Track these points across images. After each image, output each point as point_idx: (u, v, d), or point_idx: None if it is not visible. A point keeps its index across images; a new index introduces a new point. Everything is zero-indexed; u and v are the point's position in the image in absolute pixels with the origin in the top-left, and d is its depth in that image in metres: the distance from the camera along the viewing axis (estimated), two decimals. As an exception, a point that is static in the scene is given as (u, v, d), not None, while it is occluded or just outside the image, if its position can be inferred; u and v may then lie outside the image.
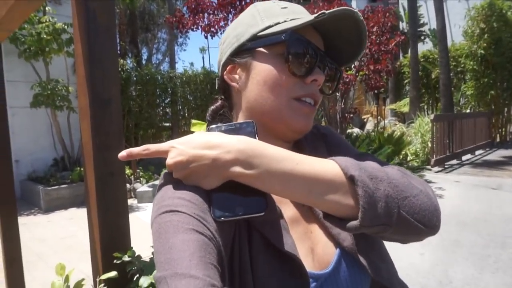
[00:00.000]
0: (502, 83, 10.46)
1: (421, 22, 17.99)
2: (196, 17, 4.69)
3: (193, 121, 2.12)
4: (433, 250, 3.52)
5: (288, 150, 0.62)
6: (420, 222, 0.51)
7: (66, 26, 6.50)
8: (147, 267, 1.35)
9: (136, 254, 1.46)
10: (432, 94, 13.49)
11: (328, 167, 0.51)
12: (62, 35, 6.52)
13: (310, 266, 0.56)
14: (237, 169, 0.49)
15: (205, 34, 4.79)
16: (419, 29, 15.94)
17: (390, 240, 0.55)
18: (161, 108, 11.46)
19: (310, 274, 0.54)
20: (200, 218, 0.49)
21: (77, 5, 1.39)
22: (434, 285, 2.86)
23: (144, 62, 17.43)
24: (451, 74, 11.43)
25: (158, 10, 18.58)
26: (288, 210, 0.60)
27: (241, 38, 0.62)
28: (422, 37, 17.74)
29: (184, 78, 11.53)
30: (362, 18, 0.57)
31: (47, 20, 6.40)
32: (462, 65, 11.81)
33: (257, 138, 0.54)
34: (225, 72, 0.65)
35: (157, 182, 7.45)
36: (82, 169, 6.80)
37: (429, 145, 8.13)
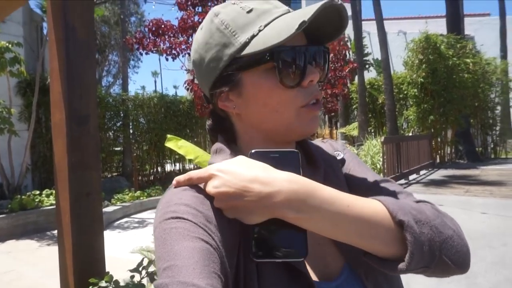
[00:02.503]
0: (439, 109, 11.46)
1: (365, 52, 19.37)
2: (157, 39, 4.68)
3: (169, 136, 2.10)
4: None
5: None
6: (456, 264, 0.53)
7: (10, 45, 6.13)
8: (129, 291, 1.28)
9: (113, 279, 1.38)
10: (378, 118, 14.40)
11: (377, 209, 0.51)
12: (5, 54, 6.13)
13: (316, 277, 0.56)
14: (287, 211, 0.48)
15: (166, 56, 4.78)
16: (364, 58, 17.12)
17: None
18: (112, 131, 11.04)
19: (317, 284, 0.54)
20: (205, 227, 0.49)
21: (54, 20, 1.34)
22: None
23: (93, 84, 16.78)
24: (394, 100, 12.33)
25: (110, 32, 18.20)
26: None
27: (219, 63, 0.58)
28: (367, 66, 19.05)
29: (137, 101, 11.27)
30: (339, 2, 0.54)
31: (-11, 39, 6.02)
32: (405, 92, 12.80)
33: (301, 171, 0.52)
34: (218, 101, 0.62)
35: (108, 209, 7.06)
36: (23, 197, 6.28)
37: (378, 166, 8.59)
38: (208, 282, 0.42)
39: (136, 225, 7.03)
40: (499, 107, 14.85)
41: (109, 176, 10.84)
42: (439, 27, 13.54)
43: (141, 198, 8.58)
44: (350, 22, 12.31)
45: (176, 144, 2.02)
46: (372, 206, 0.51)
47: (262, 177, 0.48)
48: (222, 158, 0.61)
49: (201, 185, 0.54)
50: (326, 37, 0.62)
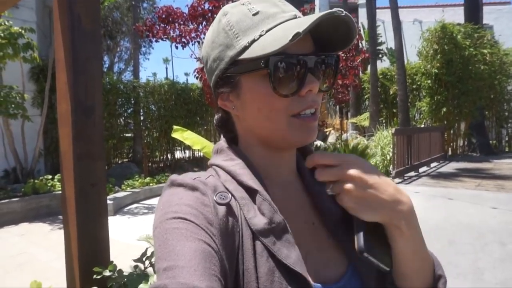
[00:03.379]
0: (453, 101, 11.23)
1: (379, 41, 19.00)
2: (167, 26, 4.65)
3: (175, 126, 2.11)
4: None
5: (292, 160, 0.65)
6: None
7: (23, 31, 6.18)
8: (131, 282, 1.29)
9: (117, 268, 1.40)
10: (390, 109, 14.19)
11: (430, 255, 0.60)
12: (18, 39, 6.18)
13: (316, 281, 0.55)
14: (404, 222, 0.52)
15: (176, 45, 4.75)
16: (377, 48, 16.81)
17: None
18: (123, 118, 11.12)
19: (316, 287, 0.54)
20: (207, 229, 0.49)
21: (60, 9, 1.33)
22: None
23: (105, 70, 16.91)
24: (407, 91, 12.12)
25: (122, 18, 18.18)
26: (296, 224, 0.58)
27: (220, 63, 0.59)
28: (380, 55, 18.71)
29: (148, 88, 11.29)
30: (343, 13, 0.53)
31: (2, 24, 6.06)
32: (418, 83, 12.56)
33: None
34: (219, 99, 0.63)
35: (118, 195, 7.18)
36: (36, 181, 6.41)
37: (388, 157, 8.51)
38: (208, 284, 0.42)
39: (145, 211, 7.14)
40: (515, 100, 14.48)
41: (119, 162, 10.99)
42: (456, 16, 13.17)
43: (151, 184, 8.69)
44: (364, 10, 12.06)
45: (182, 135, 2.02)
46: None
47: (395, 185, 0.54)
48: (222, 159, 0.61)
49: (204, 188, 0.54)
50: (336, 46, 0.60)
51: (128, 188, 7.95)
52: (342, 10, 0.53)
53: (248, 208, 0.55)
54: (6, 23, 6.09)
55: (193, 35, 4.75)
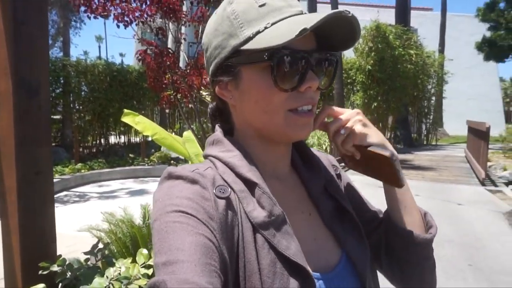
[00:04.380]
0: (383, 96, 12.10)
1: (318, 35, 19.69)
2: (107, 2, 4.32)
3: (126, 110, 1.98)
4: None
5: (288, 152, 0.66)
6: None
7: None
8: (85, 277, 1.21)
9: (67, 262, 1.30)
10: (326, 101, 14.85)
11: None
12: None
13: (314, 268, 0.57)
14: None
15: (117, 23, 4.44)
16: (316, 41, 17.41)
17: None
18: (50, 99, 10.20)
19: (315, 275, 0.55)
20: (207, 224, 0.48)
21: (-2, -28, 1.17)
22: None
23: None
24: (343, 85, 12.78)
25: (48, -12, 16.49)
26: (293, 216, 0.60)
27: (222, 51, 0.58)
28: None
29: (80, 68, 10.48)
30: (350, 14, 0.54)
31: None
32: (353, 77, 13.30)
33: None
34: (217, 87, 0.62)
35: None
36: None
37: (324, 147, 8.95)
38: (208, 280, 0.42)
39: (77, 199, 6.72)
40: (434, 98, 16.09)
41: (46, 146, 10.09)
42: (388, 17, 14.10)
43: (82, 171, 8.17)
44: (305, 3, 12.37)
45: (133, 119, 1.91)
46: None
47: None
48: (220, 150, 0.61)
49: (204, 181, 0.53)
50: (339, 45, 0.60)
51: (56, 175, 7.37)
52: (349, 11, 0.54)
53: (247, 201, 0.55)
54: None
55: (137, 14, 4.48)
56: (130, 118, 1.95)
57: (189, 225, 0.47)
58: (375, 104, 11.93)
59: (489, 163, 8.01)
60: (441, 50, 20.02)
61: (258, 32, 0.55)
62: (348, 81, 14.00)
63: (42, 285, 1.22)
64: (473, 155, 8.82)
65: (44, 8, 1.28)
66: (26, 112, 1.27)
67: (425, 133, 16.31)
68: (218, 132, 0.64)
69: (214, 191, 0.53)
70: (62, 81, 10.18)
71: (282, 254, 0.52)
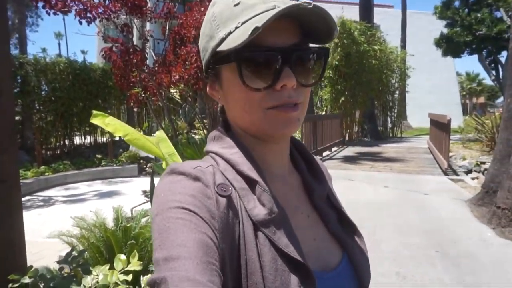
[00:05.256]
0: (350, 91, 12.42)
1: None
2: (68, -3, 4.12)
3: (95, 112, 1.90)
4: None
5: (286, 150, 0.65)
6: None
7: None
8: (60, 286, 1.15)
9: (39, 273, 1.24)
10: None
11: None
12: None
13: (315, 268, 0.57)
14: None
15: (80, 20, 4.24)
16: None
17: None
18: (7, 99, 9.64)
19: (315, 274, 0.55)
20: (210, 223, 0.48)
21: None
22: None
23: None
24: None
25: (1, -19, 15.52)
26: (293, 215, 0.60)
27: (206, 53, 0.59)
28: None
29: (39, 66, 9.96)
30: (311, 5, 0.52)
31: None
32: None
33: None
34: (208, 87, 0.63)
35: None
36: None
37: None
38: (209, 279, 0.42)
39: (41, 203, 6.41)
40: (397, 92, 16.69)
41: (4, 149, 9.55)
42: (352, 13, 14.43)
43: (47, 174, 7.81)
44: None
45: (102, 121, 1.84)
46: None
47: None
48: (221, 147, 0.60)
49: (206, 178, 0.53)
50: (322, 38, 0.59)
51: (18, 180, 6.99)
52: (310, 2, 0.52)
53: (248, 199, 0.55)
54: None
55: (100, 10, 4.31)
56: (100, 120, 1.87)
57: (191, 223, 0.46)
58: (343, 99, 12.22)
59: (450, 154, 8.43)
60: (403, 46, 20.79)
61: (229, 33, 0.54)
62: (315, 76, 14.24)
63: (13, 299, 1.15)
64: (435, 146, 9.25)
65: (3, 7, 1.21)
66: (-13, 116, 1.19)
67: (391, 126, 16.90)
68: (220, 128, 0.64)
69: (216, 189, 0.52)
70: (19, 80, 9.64)
71: (283, 251, 0.52)
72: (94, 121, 1.89)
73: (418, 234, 4.09)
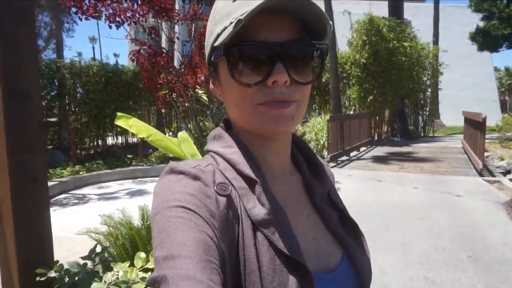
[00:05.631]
0: (379, 89, 12.11)
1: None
2: (98, 3, 4.28)
3: (119, 113, 1.97)
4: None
5: (287, 149, 0.64)
6: None
7: None
8: (83, 282, 1.20)
9: (64, 268, 1.30)
10: (323, 96, 14.86)
11: None
12: None
13: (315, 268, 0.56)
14: None
15: (109, 24, 4.41)
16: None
17: None
18: (45, 101, 10.15)
19: (314, 274, 0.54)
20: (209, 222, 0.48)
21: (-16, -22, 1.16)
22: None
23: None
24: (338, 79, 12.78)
25: (40, -10, 16.34)
26: (293, 215, 0.59)
27: (207, 49, 0.60)
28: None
29: (74, 70, 10.42)
30: None
31: None
32: (348, 71, 13.29)
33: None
34: (211, 83, 0.63)
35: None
36: None
37: (321, 142, 8.96)
38: (209, 277, 0.42)
39: (76, 201, 6.69)
40: (429, 89, 16.10)
41: (42, 149, 10.07)
42: (381, 9, 14.07)
43: (81, 173, 8.13)
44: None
45: (126, 122, 1.90)
46: None
47: None
48: (221, 146, 0.60)
49: (205, 177, 0.53)
50: (320, 34, 0.57)
51: (55, 178, 7.34)
52: None
53: (247, 198, 0.54)
54: None
55: (128, 14, 4.45)
56: (124, 121, 1.94)
57: (191, 221, 0.46)
58: (371, 98, 11.94)
59: (486, 153, 8.05)
60: (435, 41, 20.06)
61: (225, 28, 0.54)
62: (344, 75, 13.99)
63: (40, 292, 1.21)
64: (470, 145, 8.85)
65: (31, 16, 1.27)
66: (17, 119, 1.26)
67: (422, 125, 16.34)
68: (220, 127, 0.64)
69: (215, 188, 0.52)
70: (56, 84, 10.12)
71: (282, 251, 0.52)
72: (118, 122, 1.96)
73: (449, 237, 3.94)
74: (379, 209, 4.96)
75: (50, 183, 6.88)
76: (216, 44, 0.54)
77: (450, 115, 21.09)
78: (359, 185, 6.31)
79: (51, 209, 5.16)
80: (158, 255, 0.44)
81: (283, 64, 0.53)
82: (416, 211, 4.88)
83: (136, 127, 1.94)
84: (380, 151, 10.69)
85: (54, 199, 6.64)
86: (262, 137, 0.60)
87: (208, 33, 0.59)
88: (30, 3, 1.25)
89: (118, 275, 1.24)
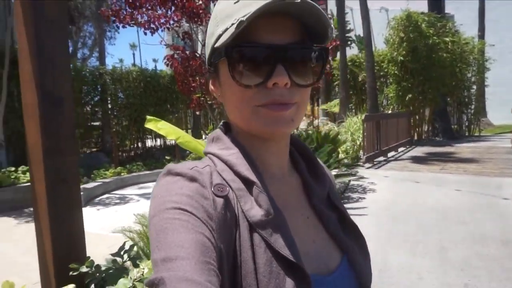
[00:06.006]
0: (418, 87, 11.63)
1: (348, 28, 19.25)
2: (134, 11, 4.48)
3: (148, 117, 2.05)
4: (371, 240, 3.81)
5: (286, 151, 0.64)
6: None
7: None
8: (111, 277, 1.26)
9: (95, 264, 1.37)
10: (359, 95, 14.52)
11: None
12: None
13: (313, 271, 0.56)
14: None
15: (144, 31, 4.60)
16: (346, 35, 17.03)
17: None
18: (89, 106, 10.73)
19: (312, 277, 0.53)
20: (207, 224, 0.48)
21: (21, -7, 1.25)
22: (375, 273, 3.09)
23: (68, 56, 16.12)
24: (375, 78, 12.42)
25: (83, 1, 17.32)
26: (292, 217, 0.59)
27: (208, 51, 0.60)
28: (349, 42, 18.99)
29: (115, 75, 10.93)
30: (298, 0, 0.50)
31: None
32: (385, 70, 12.88)
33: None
34: (210, 84, 0.63)
35: (88, 186, 6.97)
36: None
37: (358, 143, 8.74)
38: (207, 279, 0.42)
39: (117, 201, 6.99)
40: (474, 86, 15.21)
41: (88, 151, 10.64)
42: (420, 5, 13.51)
43: (122, 174, 8.50)
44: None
45: (155, 125, 1.97)
46: None
47: None
48: (219, 148, 0.60)
49: (202, 179, 0.53)
50: (321, 36, 0.57)
51: (98, 179, 7.74)
52: None
53: (245, 200, 0.54)
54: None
55: (162, 20, 4.61)
56: (153, 124, 2.01)
57: (189, 223, 0.47)
58: (410, 96, 11.48)
59: (538, 153, 7.47)
60: (481, 35, 18.91)
61: (226, 29, 0.54)
62: (381, 73, 13.58)
63: (72, 285, 1.28)
64: (520, 145, 8.26)
65: (64, 27, 1.35)
66: (51, 123, 1.34)
67: (467, 124, 15.46)
68: (219, 129, 0.64)
69: (213, 189, 0.52)
70: (99, 89, 10.66)
71: (279, 253, 0.51)
72: (148, 125, 2.03)
73: (494, 243, 3.69)
74: (416, 211, 4.75)
75: (94, 184, 7.26)
76: (217, 45, 0.55)
77: (499, 113, 19.76)
78: (395, 186, 6.09)
79: (95, 208, 5.43)
80: (156, 257, 0.44)
81: (283, 66, 0.53)
82: (457, 215, 4.63)
83: (165, 130, 2.01)
84: (419, 151, 10.25)
85: (97, 199, 6.99)
86: (261, 139, 0.60)
87: (209, 34, 0.60)
88: (62, 14, 1.32)
89: (143, 271, 1.29)
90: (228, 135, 0.62)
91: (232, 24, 0.53)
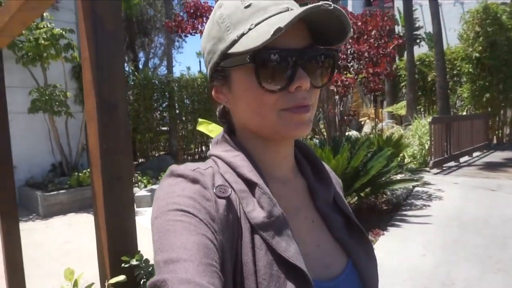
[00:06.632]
0: (498, 86, 10.54)
1: (417, 25, 18.14)
2: (195, 21, 4.71)
3: (200, 119, 2.15)
4: (434, 251, 3.54)
5: (291, 152, 0.64)
6: None
7: (64, 32, 6.49)
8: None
9: (143, 258, 1.47)
10: (428, 96, 13.57)
11: None
12: (59, 40, 6.51)
13: (316, 277, 0.55)
14: None
15: (204, 39, 4.82)
16: (414, 33, 16.06)
17: None
18: (158, 112, 11.47)
19: (315, 282, 0.53)
20: (209, 225, 0.48)
21: (84, 11, 1.40)
22: (436, 286, 2.87)
23: (141, 66, 17.45)
24: (447, 77, 11.51)
25: (155, 14, 18.61)
26: (295, 220, 0.58)
27: (214, 56, 0.59)
28: (418, 40, 17.88)
29: (181, 82, 11.55)
30: (331, 6, 0.50)
31: (45, 26, 6.40)
32: (458, 68, 11.89)
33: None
34: (213, 91, 0.62)
35: (155, 187, 7.46)
36: (80, 174, 6.77)
37: (426, 147, 8.17)
38: (210, 281, 0.42)
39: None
40: None
41: (156, 155, 11.37)
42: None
43: (186, 176, 8.92)
44: None
45: (207, 127, 2.06)
46: None
47: None
48: (222, 150, 0.61)
49: (205, 180, 0.53)
50: (334, 39, 0.57)
51: (164, 180, 8.23)
52: (330, 3, 0.51)
53: (247, 201, 0.54)
54: (49, 25, 6.43)
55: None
56: (204, 127, 2.10)
57: (191, 225, 0.47)
58: (488, 96, 10.45)
59: None
60: None
61: (242, 35, 0.54)
62: (454, 72, 12.56)
63: (123, 276, 1.39)
64: None
65: (119, 39, 1.48)
66: (106, 126, 1.46)
67: (560, 125, 13.60)
68: (222, 132, 0.65)
69: (215, 190, 0.53)
70: (167, 96, 11.36)
71: (280, 255, 0.51)
72: (200, 128, 2.12)
73: None
74: (490, 222, 4.30)
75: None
76: (234, 50, 0.55)
77: None
78: (466, 194, 5.56)
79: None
80: (159, 259, 0.45)
81: (303, 69, 0.54)
82: (540, 228, 4.10)
83: (215, 132, 2.08)
84: (498, 156, 9.25)
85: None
86: (273, 142, 0.60)
87: (212, 39, 0.59)
88: (117, 28, 1.46)
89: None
90: (232, 138, 0.63)
91: (250, 29, 0.54)
